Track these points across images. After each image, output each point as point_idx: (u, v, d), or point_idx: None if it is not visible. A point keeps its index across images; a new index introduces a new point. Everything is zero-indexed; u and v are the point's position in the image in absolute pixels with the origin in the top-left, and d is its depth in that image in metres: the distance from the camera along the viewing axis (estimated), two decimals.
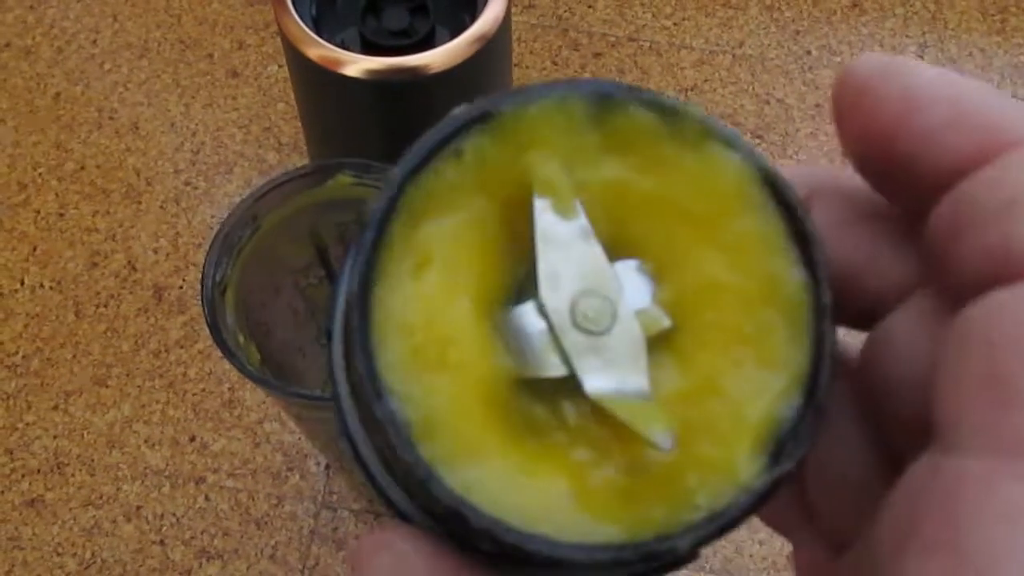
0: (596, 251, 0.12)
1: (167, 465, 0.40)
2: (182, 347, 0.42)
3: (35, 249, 0.45)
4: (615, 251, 0.13)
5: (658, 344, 0.13)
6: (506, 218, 0.13)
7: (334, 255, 0.31)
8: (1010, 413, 0.10)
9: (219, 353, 0.42)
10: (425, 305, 0.12)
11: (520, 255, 0.13)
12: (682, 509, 0.11)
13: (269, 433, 0.41)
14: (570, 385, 0.12)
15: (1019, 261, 0.11)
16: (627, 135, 0.13)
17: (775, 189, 0.13)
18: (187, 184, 0.46)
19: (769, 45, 0.50)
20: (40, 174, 0.47)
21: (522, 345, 0.12)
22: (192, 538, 0.39)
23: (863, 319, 0.14)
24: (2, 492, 0.40)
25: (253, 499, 0.40)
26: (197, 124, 0.48)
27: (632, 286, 0.13)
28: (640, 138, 0.13)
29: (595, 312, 0.12)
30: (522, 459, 0.12)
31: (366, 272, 0.12)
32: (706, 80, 0.49)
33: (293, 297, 0.33)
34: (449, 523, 0.12)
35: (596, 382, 0.12)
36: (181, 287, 0.44)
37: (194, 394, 0.42)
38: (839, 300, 0.13)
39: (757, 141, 0.47)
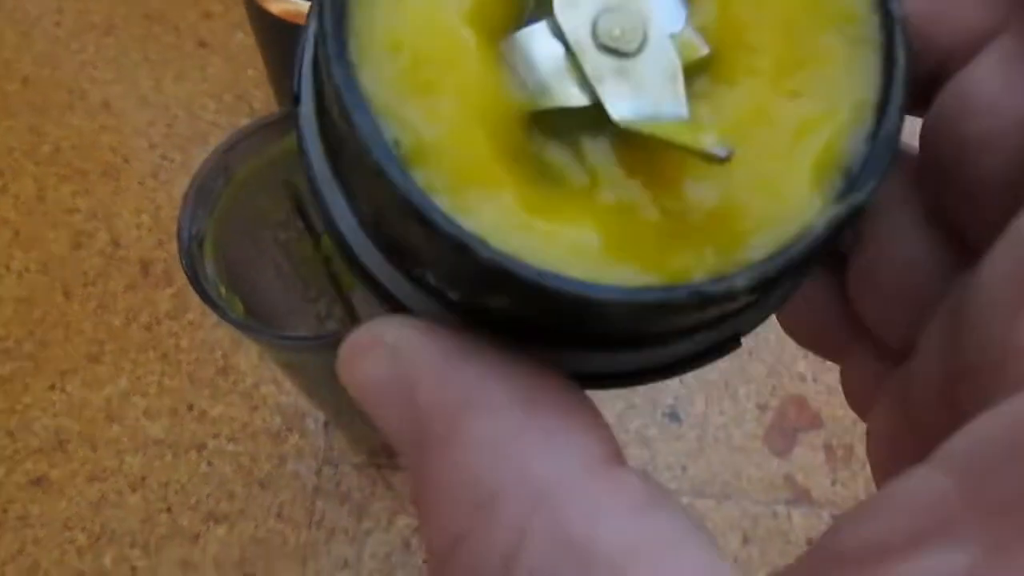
0: None
1: (167, 435, 0.41)
2: (173, 318, 0.43)
3: (17, 234, 0.45)
4: None
5: (695, 75, 0.11)
6: None
7: (311, 207, 0.31)
8: None
9: (210, 322, 0.42)
10: (416, 22, 0.10)
11: None
12: (736, 250, 0.10)
13: (265, 396, 0.41)
14: (592, 119, 0.10)
15: None
16: None
17: None
18: (164, 158, 0.46)
19: None
20: (16, 159, 0.46)
21: (533, 73, 0.10)
22: (198, 503, 0.39)
23: (928, 88, 0.12)
24: (7, 473, 0.40)
25: (255, 461, 0.40)
26: (169, 98, 0.48)
27: (663, 7, 0.11)
28: None
29: (621, 30, 0.10)
30: (539, 201, 0.10)
31: None
32: None
33: (276, 252, 0.34)
34: (450, 272, 0.10)
35: (625, 108, 0.10)
36: (166, 260, 0.44)
37: (188, 363, 0.42)
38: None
39: None
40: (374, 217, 0.10)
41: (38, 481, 0.40)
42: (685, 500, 0.39)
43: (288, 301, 0.35)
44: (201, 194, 0.26)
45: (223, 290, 0.26)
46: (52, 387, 0.42)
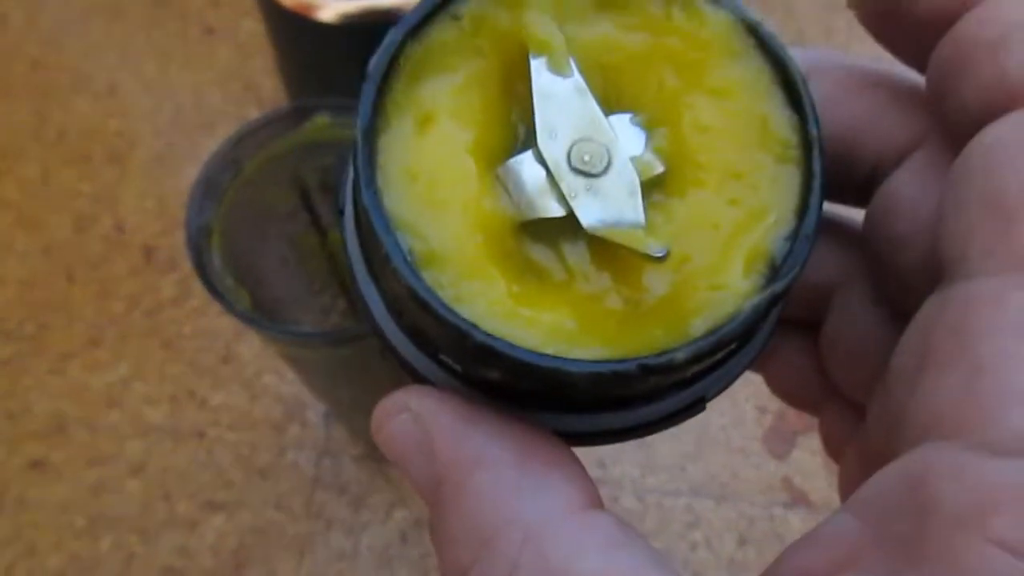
0: (591, 105, 0.13)
1: (168, 421, 0.41)
2: (175, 305, 0.43)
3: (21, 216, 0.45)
4: (609, 106, 0.13)
5: (652, 190, 0.13)
6: (505, 78, 0.13)
7: (317, 200, 0.31)
8: (1013, 228, 0.11)
9: (213, 310, 0.42)
10: (429, 157, 0.12)
11: (519, 114, 0.13)
12: (681, 330, 0.12)
13: (267, 385, 0.41)
14: (569, 227, 0.13)
15: (1013, 91, 0.11)
16: None
17: (760, 38, 0.13)
18: (169, 145, 0.46)
19: None
20: (21, 141, 0.46)
21: (522, 192, 0.13)
22: (197, 491, 0.39)
23: (862, 192, 0.14)
24: (6, 456, 0.40)
25: (255, 450, 0.40)
26: (175, 84, 0.48)
27: (626, 137, 0.13)
28: None
29: (591, 155, 0.13)
30: (524, 294, 0.12)
31: (371, 119, 0.12)
32: None
33: (282, 245, 0.33)
34: (453, 350, 0.12)
35: (594, 218, 0.12)
36: (170, 246, 0.44)
37: (190, 351, 0.42)
38: (837, 163, 0.13)
39: None
40: (397, 308, 0.13)
41: (37, 464, 0.40)
42: (683, 500, 0.39)
43: (293, 293, 0.35)
44: (209, 186, 0.26)
45: (230, 283, 0.26)
46: (53, 371, 0.42)
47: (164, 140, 0.46)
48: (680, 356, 0.12)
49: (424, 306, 0.12)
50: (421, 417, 0.12)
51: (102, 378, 0.41)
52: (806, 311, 0.16)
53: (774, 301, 0.12)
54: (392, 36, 0.13)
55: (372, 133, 0.12)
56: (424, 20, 0.13)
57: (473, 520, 0.11)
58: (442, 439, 0.12)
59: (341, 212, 0.14)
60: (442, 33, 0.13)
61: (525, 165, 0.13)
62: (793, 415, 0.41)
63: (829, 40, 0.48)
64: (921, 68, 0.13)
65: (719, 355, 0.12)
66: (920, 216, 0.13)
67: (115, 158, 0.46)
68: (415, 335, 0.13)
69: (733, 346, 0.13)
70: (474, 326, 0.11)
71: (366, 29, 0.34)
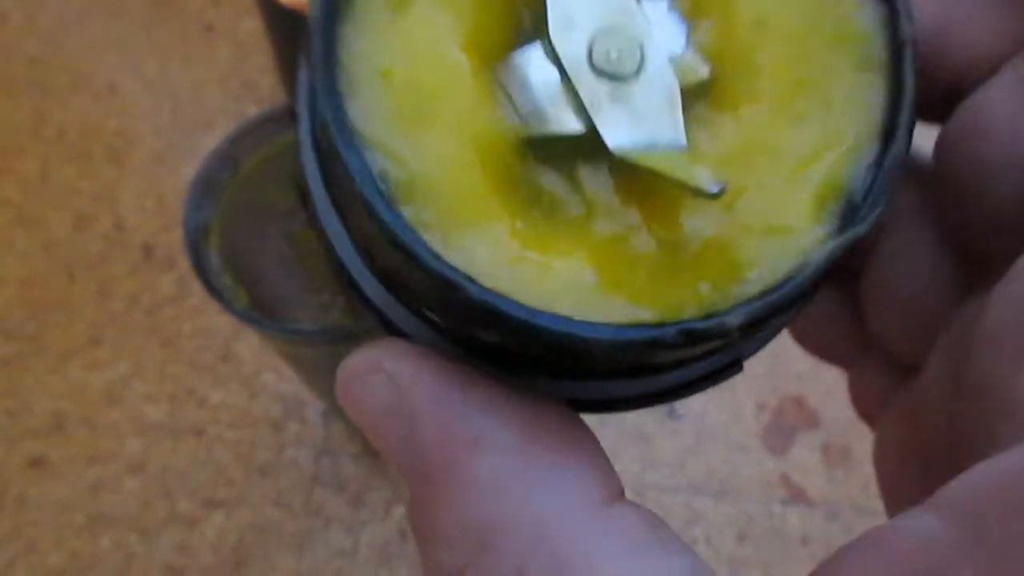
0: None
1: (167, 420, 0.41)
2: (174, 303, 0.43)
3: (20, 214, 0.45)
4: None
5: (695, 98, 0.10)
6: None
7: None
8: None
9: (212, 308, 0.42)
10: (406, 48, 0.10)
11: None
12: (731, 284, 0.09)
13: (266, 383, 0.41)
14: (588, 145, 0.10)
15: None
16: None
17: None
18: (169, 144, 0.46)
19: None
20: (20, 139, 0.46)
21: (528, 98, 0.10)
22: (197, 489, 0.40)
23: (944, 101, 0.12)
24: (6, 454, 0.40)
25: (254, 448, 0.40)
26: (175, 82, 0.48)
27: (662, 29, 0.10)
28: None
29: (619, 52, 0.10)
30: (533, 233, 0.10)
31: (329, 1, 0.09)
32: None
33: (280, 243, 0.34)
34: (442, 306, 0.10)
35: (621, 136, 0.10)
36: (169, 245, 0.44)
37: (189, 349, 0.42)
38: (921, 62, 0.10)
39: None
40: (368, 249, 0.10)
41: (36, 462, 0.40)
42: (682, 497, 0.39)
43: (292, 291, 0.35)
44: (206, 185, 0.26)
45: (229, 281, 0.26)
46: (53, 369, 0.42)
47: (163, 138, 0.46)
48: (733, 320, 0.09)
49: (405, 252, 0.09)
50: (399, 382, 0.10)
51: (102, 377, 0.42)
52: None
53: (851, 249, 0.10)
54: None
55: (332, 18, 0.09)
56: None
57: (469, 516, 0.09)
58: (427, 414, 0.10)
59: (295, 119, 0.11)
60: None
61: (533, 63, 0.10)
62: (792, 411, 0.41)
63: None
64: None
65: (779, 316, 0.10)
66: (1018, 142, 0.11)
67: (114, 156, 0.46)
68: (391, 283, 0.10)
69: (800, 304, 0.10)
70: (470, 279, 0.09)
71: None
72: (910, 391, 0.13)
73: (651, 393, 0.11)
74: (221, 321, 0.42)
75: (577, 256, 0.10)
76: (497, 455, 0.09)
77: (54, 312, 0.43)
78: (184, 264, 0.44)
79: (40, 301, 0.43)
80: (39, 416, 0.41)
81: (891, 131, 0.10)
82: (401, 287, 0.10)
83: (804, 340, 0.15)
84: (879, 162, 0.10)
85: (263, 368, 0.42)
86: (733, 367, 0.11)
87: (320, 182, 0.10)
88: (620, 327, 0.09)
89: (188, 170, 0.45)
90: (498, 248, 0.09)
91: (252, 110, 0.47)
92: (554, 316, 0.09)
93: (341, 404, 0.11)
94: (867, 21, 0.10)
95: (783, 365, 0.42)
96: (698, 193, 0.09)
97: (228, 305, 0.24)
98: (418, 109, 0.09)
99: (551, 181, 0.10)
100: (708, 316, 0.09)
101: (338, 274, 0.11)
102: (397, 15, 0.10)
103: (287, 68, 0.40)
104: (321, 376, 0.34)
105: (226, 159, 0.27)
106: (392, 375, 0.10)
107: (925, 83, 0.11)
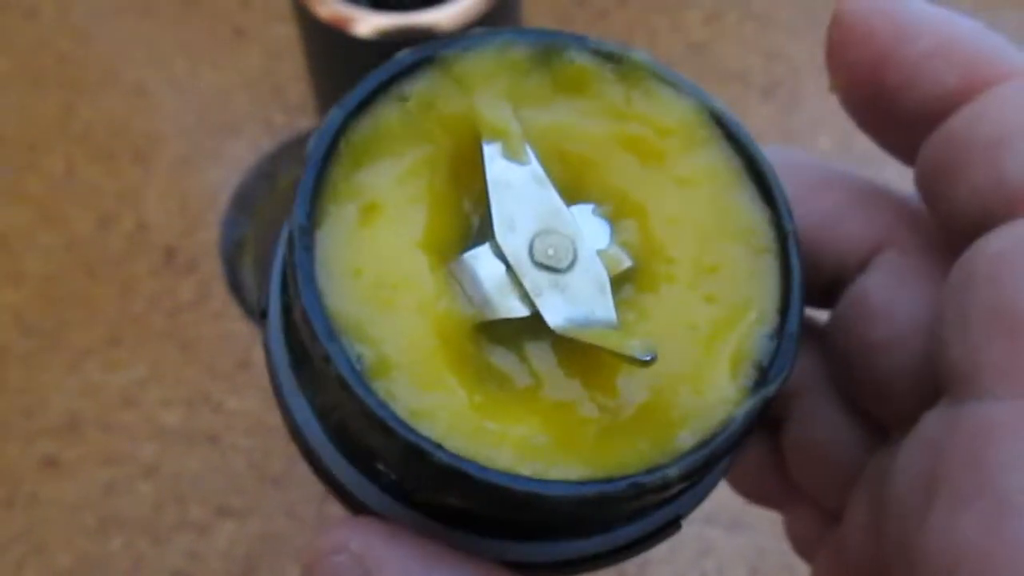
0: (551, 194, 0.12)
1: (183, 424, 0.41)
2: (194, 308, 0.43)
3: (44, 211, 0.45)
4: (569, 197, 0.12)
5: (623, 283, 0.12)
6: (455, 165, 0.12)
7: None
8: None
9: (232, 314, 0.42)
10: (374, 251, 0.11)
11: (472, 204, 0.12)
12: (667, 442, 0.11)
13: None
14: (533, 327, 0.12)
15: (1013, 196, 0.11)
16: (574, 79, 0.13)
17: (726, 127, 0.13)
18: (194, 146, 0.46)
19: (778, 4, 0.50)
20: (46, 135, 0.46)
21: (479, 290, 0.12)
22: (209, 496, 0.39)
23: (825, 295, 0.14)
24: (20, 452, 0.40)
25: (268, 457, 0.40)
26: (203, 85, 0.48)
27: (590, 229, 0.12)
28: (587, 82, 0.13)
29: (555, 249, 0.12)
30: (488, 403, 0.11)
31: (308, 211, 0.11)
32: (714, 38, 0.49)
33: None
34: (412, 474, 0.11)
35: (561, 318, 0.11)
36: (192, 248, 0.44)
37: (208, 354, 0.42)
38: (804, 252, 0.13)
39: (765, 98, 0.47)
40: (338, 425, 0.12)
41: (50, 462, 0.40)
42: (694, 529, 0.39)
43: None
44: (243, 201, 0.26)
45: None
46: (70, 368, 0.42)
47: (189, 141, 0.46)
48: (674, 472, 0.11)
49: (377, 423, 0.10)
50: (365, 562, 0.11)
51: (119, 378, 0.41)
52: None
53: (766, 406, 0.11)
54: (332, 116, 0.12)
55: (311, 224, 0.11)
56: (368, 99, 0.12)
57: None
58: None
59: (264, 314, 0.13)
60: (388, 114, 0.12)
61: (481, 260, 0.12)
62: None
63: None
64: (908, 160, 0.13)
65: (712, 469, 0.11)
66: (898, 322, 0.12)
67: (140, 156, 0.46)
68: (358, 455, 0.12)
69: (726, 459, 0.12)
70: (438, 445, 0.10)
71: (400, 46, 0.34)
72: (836, 536, 0.14)
73: (598, 553, 0.12)
74: (240, 328, 0.42)
75: (530, 423, 0.11)
76: None
77: (74, 310, 0.43)
78: (205, 268, 0.44)
79: (60, 299, 0.43)
80: (54, 415, 0.41)
81: (786, 306, 0.12)
82: (370, 458, 0.11)
83: (739, 487, 0.16)
84: (779, 332, 0.12)
85: None
86: (672, 524, 0.12)
87: (288, 366, 0.12)
88: (576, 483, 0.10)
89: (213, 174, 0.45)
90: (459, 419, 0.11)
91: (279, 117, 0.47)
92: (516, 476, 0.10)
93: None
94: (757, 218, 0.12)
95: None
96: (632, 362, 0.11)
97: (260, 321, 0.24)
98: (385, 301, 0.11)
99: (501, 357, 0.12)
100: (651, 470, 0.11)
101: (303, 452, 0.12)
102: (366, 221, 0.11)
103: (318, 80, 0.40)
104: None
105: (262, 174, 0.26)
106: (359, 556, 0.11)
107: (812, 272, 0.13)
